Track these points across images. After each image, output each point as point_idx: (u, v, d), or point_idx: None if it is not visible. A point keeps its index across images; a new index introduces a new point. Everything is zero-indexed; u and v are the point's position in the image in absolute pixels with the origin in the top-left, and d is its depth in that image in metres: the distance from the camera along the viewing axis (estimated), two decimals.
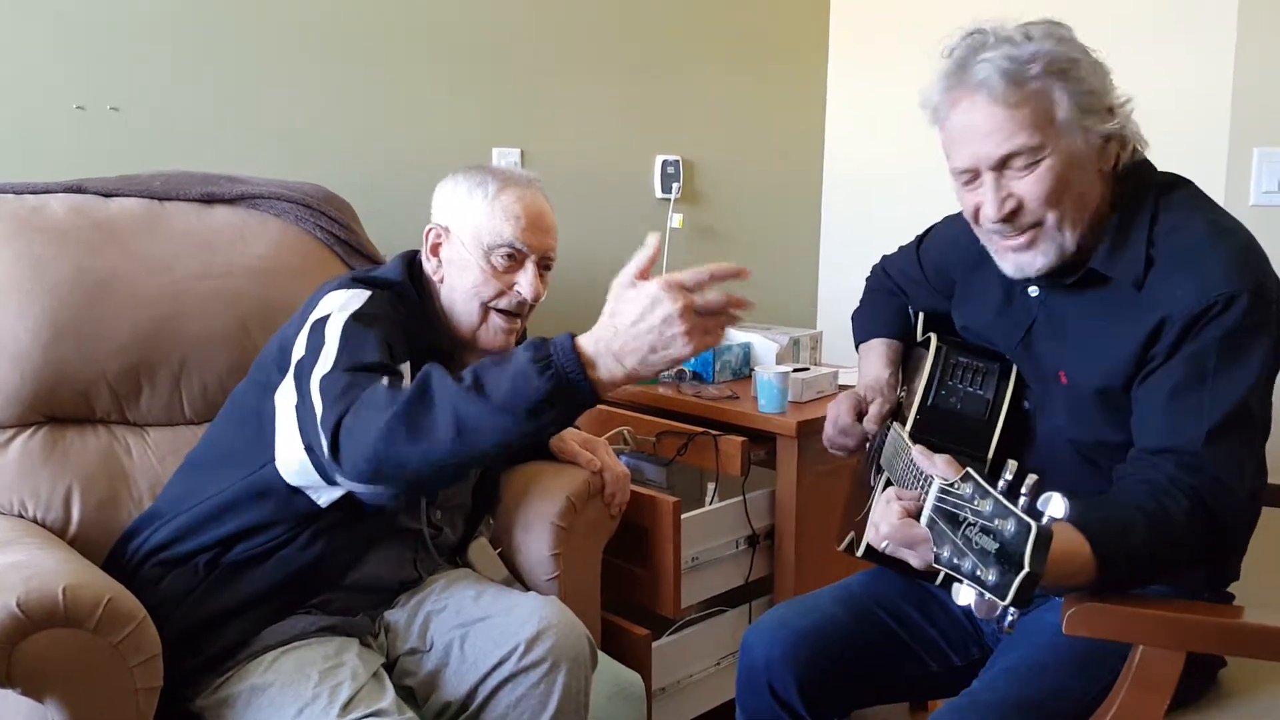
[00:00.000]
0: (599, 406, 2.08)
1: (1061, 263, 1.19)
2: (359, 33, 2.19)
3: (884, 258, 1.63)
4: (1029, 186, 1.15)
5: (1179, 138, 2.18)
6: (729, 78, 2.89)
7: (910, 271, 1.54)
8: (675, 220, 2.72)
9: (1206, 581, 1.23)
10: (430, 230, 1.49)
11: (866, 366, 1.52)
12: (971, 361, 1.35)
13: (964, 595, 0.87)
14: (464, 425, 1.05)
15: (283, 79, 2.10)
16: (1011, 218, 1.17)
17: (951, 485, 0.94)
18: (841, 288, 2.92)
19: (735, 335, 2.21)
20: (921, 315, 1.52)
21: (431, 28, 2.30)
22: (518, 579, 1.59)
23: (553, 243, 1.50)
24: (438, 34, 2.31)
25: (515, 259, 1.45)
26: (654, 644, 1.74)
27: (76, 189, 1.65)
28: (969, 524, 0.89)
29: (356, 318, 1.30)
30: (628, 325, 1.02)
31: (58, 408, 1.55)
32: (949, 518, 0.93)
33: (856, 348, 1.59)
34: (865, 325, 1.60)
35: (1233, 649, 1.17)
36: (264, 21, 2.06)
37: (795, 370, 1.91)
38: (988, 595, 0.86)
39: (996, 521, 0.87)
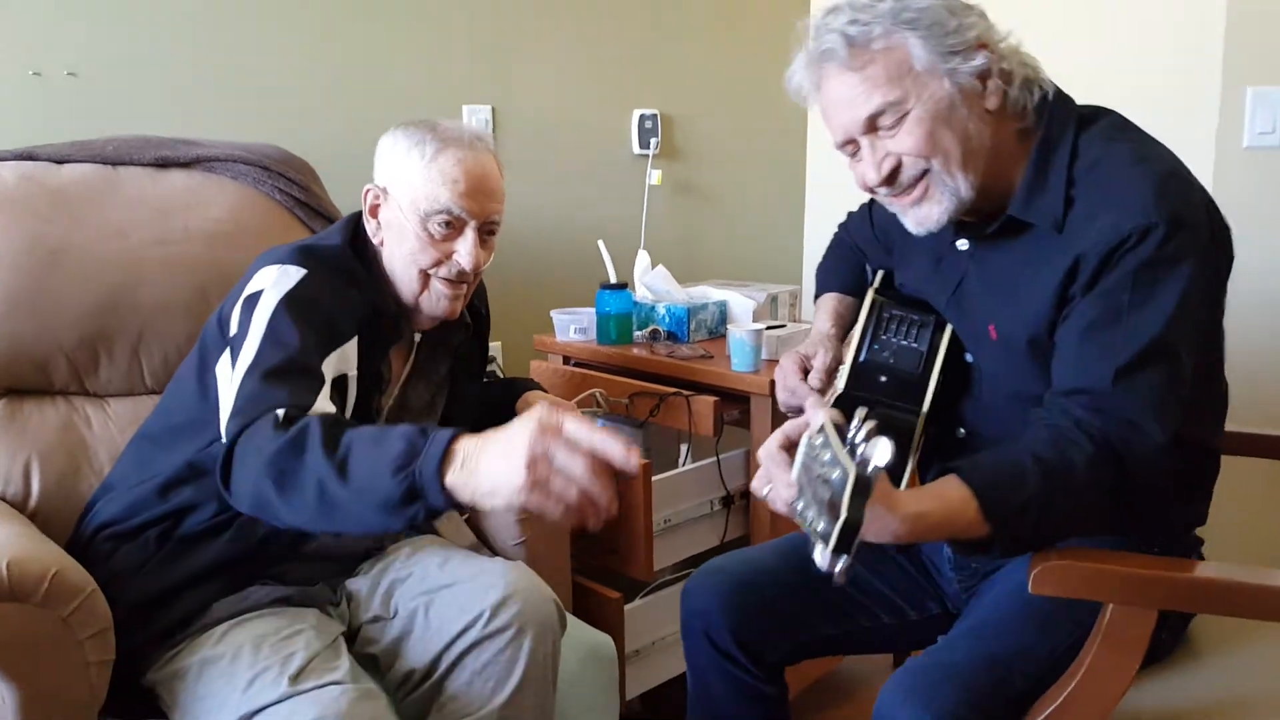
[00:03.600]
0: (569, 368, 2.06)
1: (961, 209, 1.16)
2: None
3: (848, 214, 1.60)
4: (902, 141, 1.13)
5: (1168, 77, 2.14)
6: (708, 27, 2.83)
7: (863, 231, 1.52)
8: (654, 177, 2.68)
9: (1165, 529, 1.20)
10: (369, 191, 1.43)
11: (815, 322, 1.51)
12: (905, 314, 1.32)
13: (816, 551, 0.83)
14: (327, 498, 0.99)
15: (243, 38, 2.05)
16: (894, 177, 1.15)
17: (810, 438, 0.91)
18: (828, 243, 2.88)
19: (711, 293, 2.17)
20: (880, 273, 1.48)
21: None
22: (485, 544, 1.58)
23: (496, 207, 1.44)
24: None
25: (454, 226, 1.39)
26: (626, 607, 1.72)
27: (27, 156, 1.62)
28: (817, 476, 0.87)
29: (287, 301, 1.26)
30: (489, 453, 0.94)
31: (15, 380, 1.53)
32: (806, 470, 0.90)
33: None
34: (821, 280, 1.58)
35: (1206, 606, 1.14)
36: None
37: (769, 328, 1.88)
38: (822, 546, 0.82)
39: (829, 470, 0.84)
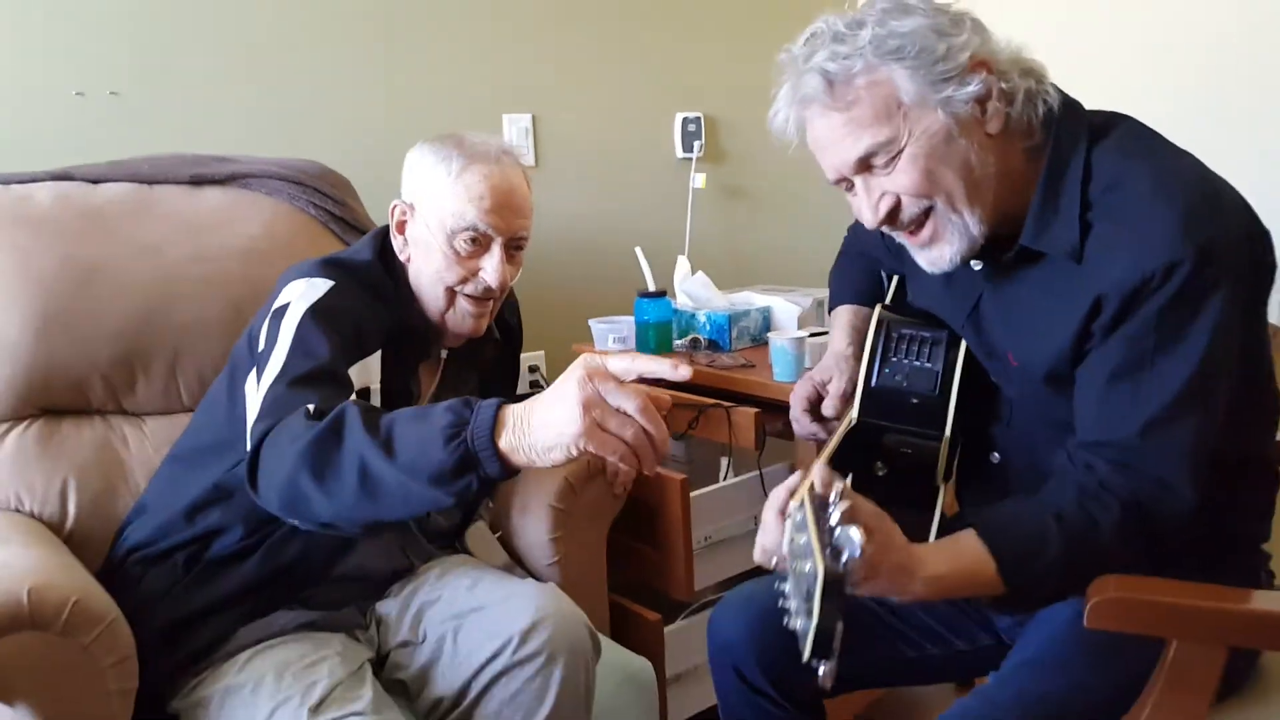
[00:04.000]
0: None
1: (975, 246, 1.08)
2: (358, 3, 2.12)
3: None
4: (898, 180, 1.04)
5: None
6: (750, 27, 2.77)
7: (871, 237, 1.45)
8: (698, 181, 2.63)
9: (1229, 547, 1.12)
10: (395, 206, 1.42)
11: (830, 340, 1.42)
12: (916, 332, 1.24)
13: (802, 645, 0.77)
14: (370, 479, 0.94)
15: (283, 54, 2.04)
16: (893, 217, 1.07)
17: (791, 512, 0.85)
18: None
19: (755, 299, 2.12)
20: (895, 279, 1.41)
21: None
22: (519, 564, 1.54)
23: (523, 223, 1.41)
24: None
25: (480, 243, 1.36)
26: (666, 629, 1.68)
27: (64, 176, 1.62)
28: (795, 557, 0.80)
29: (314, 311, 1.24)
30: (541, 407, 0.90)
31: (52, 400, 1.53)
32: (789, 546, 0.83)
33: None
34: (834, 290, 1.50)
35: None
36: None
37: (813, 335, 1.82)
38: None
39: (802, 561, 0.78)
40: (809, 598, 0.75)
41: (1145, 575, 0.99)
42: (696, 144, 2.65)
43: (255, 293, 1.63)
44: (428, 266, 1.38)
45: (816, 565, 0.75)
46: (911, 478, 1.19)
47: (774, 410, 1.77)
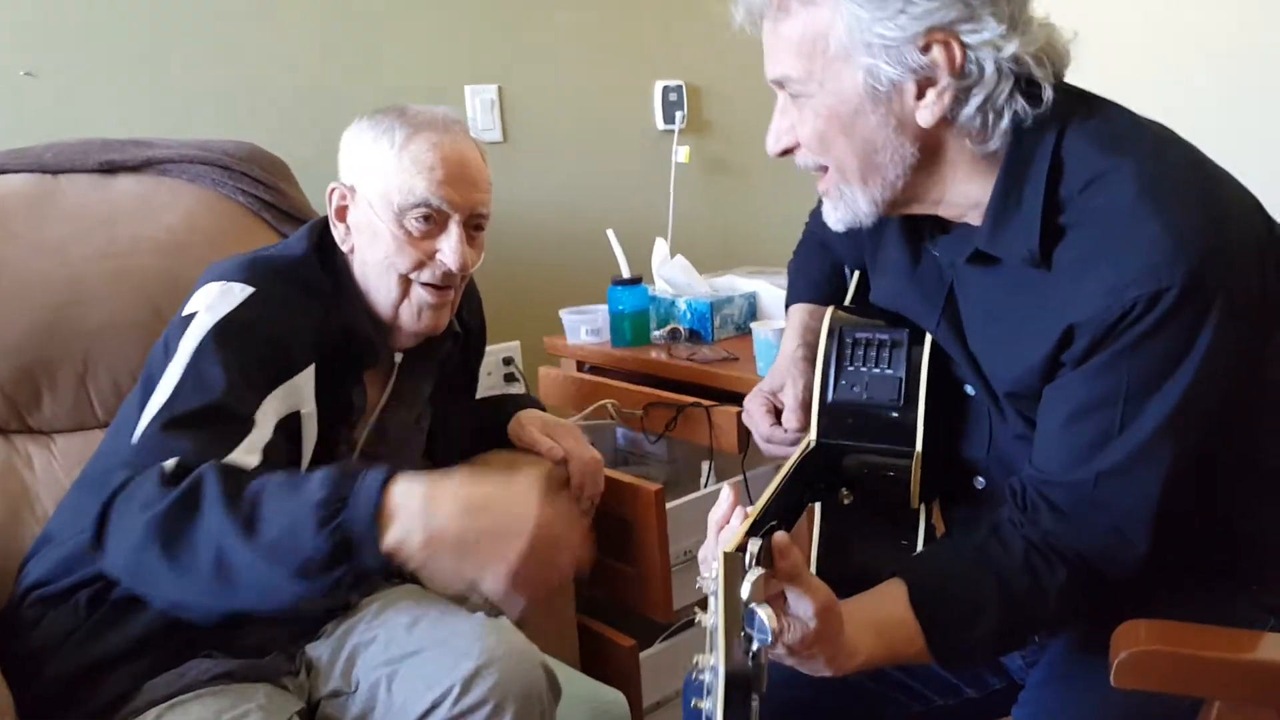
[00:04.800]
0: (577, 375, 1.84)
1: (862, 221, 0.95)
2: None
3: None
4: (799, 123, 0.92)
5: None
6: None
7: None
8: (681, 154, 2.44)
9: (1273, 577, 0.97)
10: (334, 190, 1.25)
11: (782, 342, 1.25)
12: (873, 335, 1.07)
13: None
14: (225, 565, 0.82)
15: (213, 24, 1.85)
16: (788, 154, 0.95)
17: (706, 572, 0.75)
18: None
19: (739, 284, 1.93)
20: (857, 275, 1.23)
21: None
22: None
23: (481, 197, 1.25)
24: None
25: (435, 220, 1.21)
26: (641, 654, 1.51)
27: None
28: (709, 629, 0.70)
29: (219, 331, 1.08)
30: (464, 506, 0.80)
31: None
32: (708, 609, 0.72)
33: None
34: (791, 285, 1.32)
35: None
36: None
37: None
38: None
39: (709, 655, 0.68)
40: (714, 690, 0.66)
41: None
42: (678, 114, 2.47)
43: (176, 291, 1.43)
44: (375, 254, 1.22)
45: (718, 666, 0.65)
46: (884, 503, 1.04)
47: None
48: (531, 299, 2.24)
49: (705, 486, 1.62)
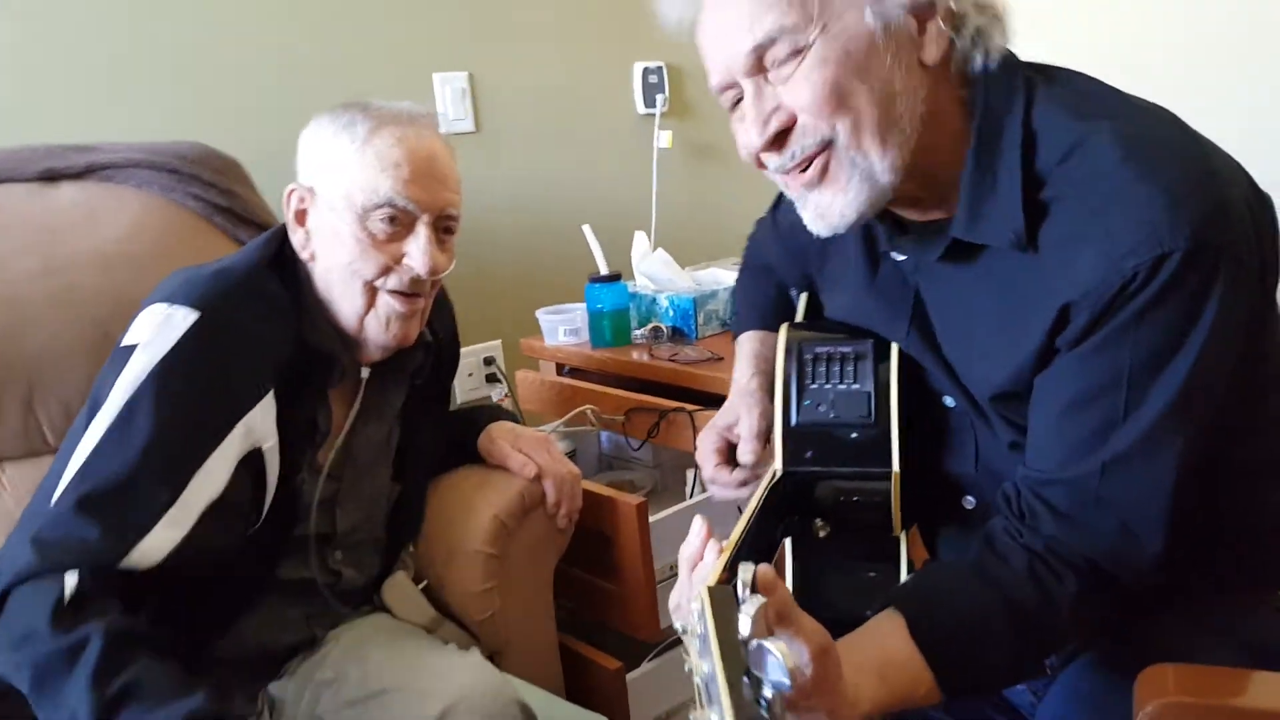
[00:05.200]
0: (555, 380, 1.76)
1: (878, 201, 0.84)
2: None
3: (758, 221, 1.26)
4: (797, 90, 0.80)
5: None
6: None
7: (772, 246, 1.18)
8: (663, 139, 2.35)
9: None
10: (291, 193, 1.16)
11: (734, 373, 1.16)
12: (834, 349, 0.99)
13: None
14: None
15: (169, 18, 1.75)
16: (783, 139, 0.82)
17: (686, 622, 0.62)
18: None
19: (723, 277, 1.85)
20: (804, 297, 1.15)
21: None
22: (449, 617, 1.29)
23: (450, 196, 1.16)
24: None
25: (401, 222, 1.12)
26: (628, 676, 1.43)
27: None
28: (700, 682, 0.58)
29: (158, 375, 1.01)
30: None
31: None
32: (692, 657, 0.61)
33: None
34: (738, 314, 1.24)
35: None
36: None
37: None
38: None
39: (707, 708, 0.55)
40: None
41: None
42: (659, 97, 2.37)
43: (123, 308, 1.33)
44: (337, 259, 1.13)
45: (724, 716, 0.52)
46: (863, 532, 0.96)
47: None
48: (510, 296, 2.16)
49: (691, 496, 1.55)
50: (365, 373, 1.22)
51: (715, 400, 1.53)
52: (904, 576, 0.95)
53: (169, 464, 1.00)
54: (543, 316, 1.84)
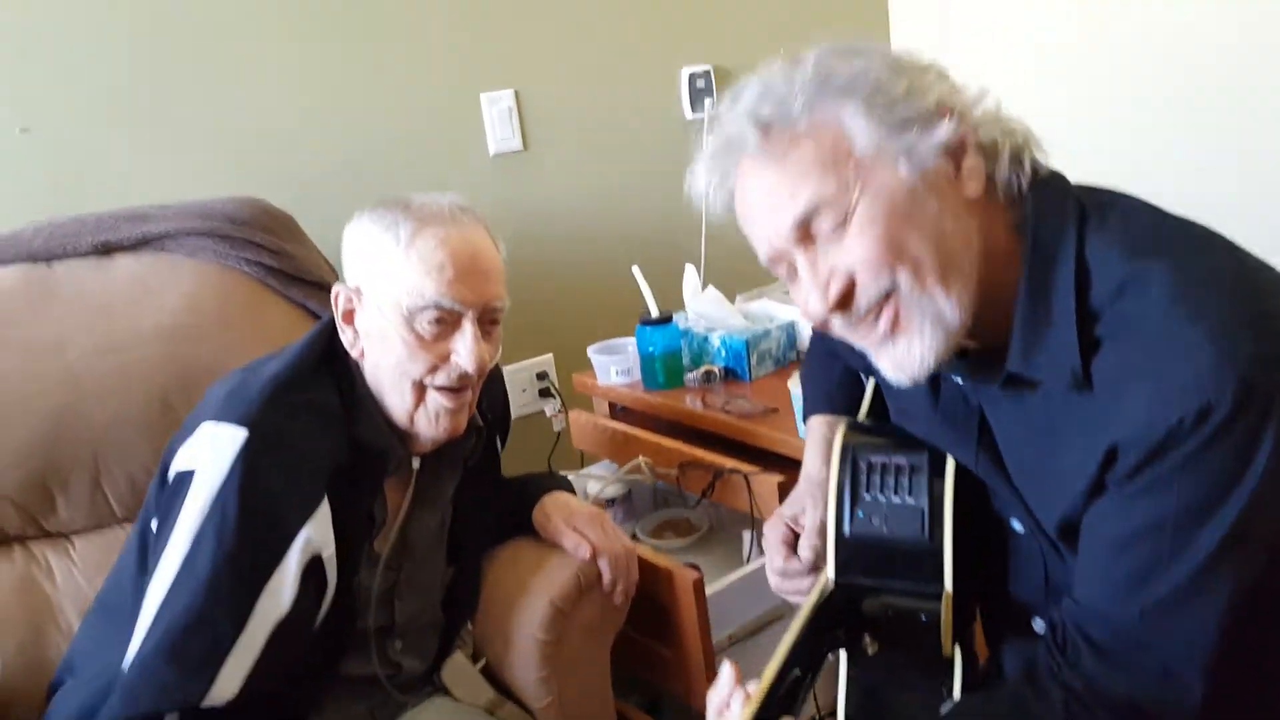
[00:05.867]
0: (611, 426, 1.75)
1: (953, 342, 0.82)
2: None
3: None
4: (850, 250, 0.80)
5: None
6: None
7: (836, 341, 1.15)
8: None
9: None
10: (338, 294, 1.17)
11: (804, 460, 1.13)
12: (889, 459, 0.96)
13: None
14: None
15: (216, 59, 1.75)
16: (847, 302, 0.82)
17: None
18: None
19: (776, 312, 1.82)
20: (872, 382, 1.12)
21: None
22: (508, 697, 1.31)
23: (494, 290, 1.16)
24: None
25: (446, 321, 1.12)
26: None
27: None
28: None
29: (217, 510, 1.04)
30: None
31: None
32: None
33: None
34: (806, 394, 1.22)
35: None
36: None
37: None
38: None
39: None
40: None
41: None
42: (708, 101, 2.32)
43: (183, 377, 1.42)
44: (386, 359, 1.14)
45: None
46: (913, 649, 0.95)
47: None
48: (561, 310, 2.15)
49: (748, 561, 1.54)
50: (416, 463, 1.23)
51: (771, 457, 1.52)
52: (957, 694, 0.94)
53: (233, 597, 1.03)
54: (595, 355, 1.83)
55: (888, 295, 0.81)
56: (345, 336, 1.17)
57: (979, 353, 0.87)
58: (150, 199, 1.56)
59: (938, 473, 0.95)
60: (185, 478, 1.06)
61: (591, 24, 2.17)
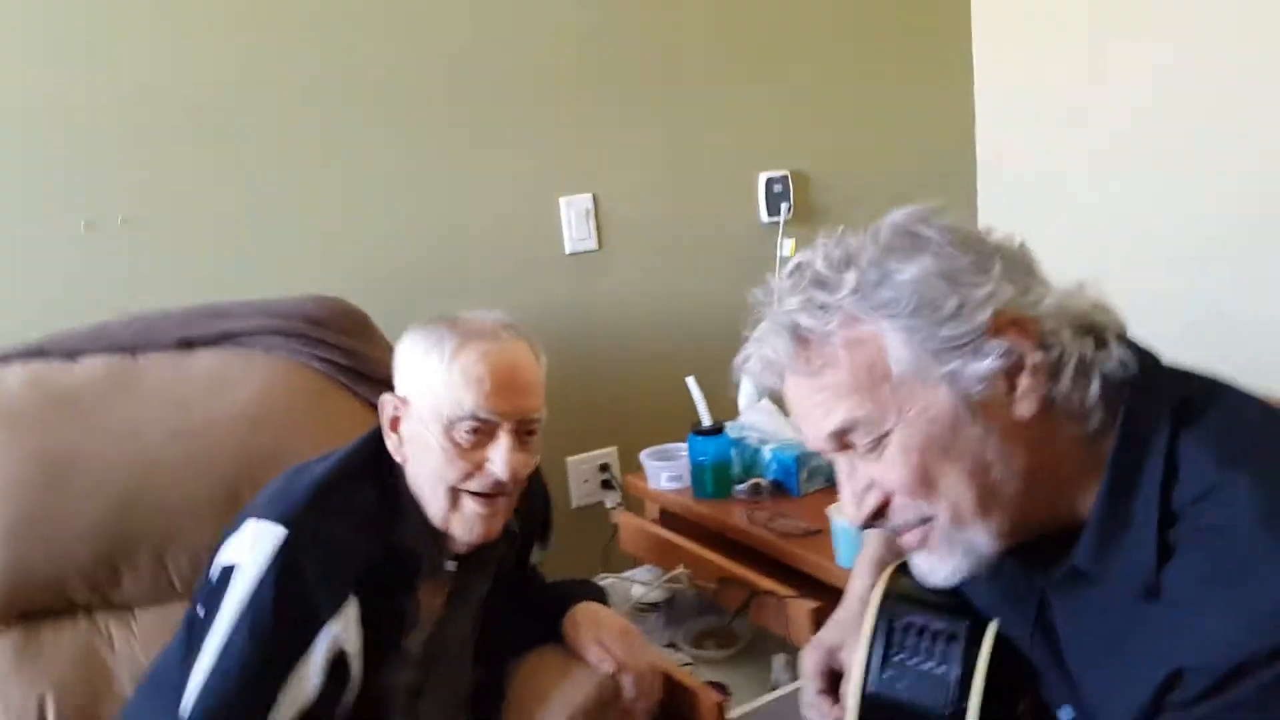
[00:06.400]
0: (654, 532, 1.77)
1: (979, 566, 0.81)
2: (385, 100, 1.93)
3: None
4: (885, 473, 0.80)
5: None
6: (843, 72, 2.44)
7: None
8: (787, 247, 2.34)
9: None
10: (387, 402, 1.24)
11: (850, 583, 1.10)
12: (926, 623, 0.93)
13: None
14: None
15: (305, 166, 1.88)
16: (882, 514, 0.81)
17: None
18: None
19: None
20: None
21: (470, 74, 2.01)
22: None
23: (532, 403, 1.22)
24: (477, 81, 2.02)
25: (483, 430, 1.19)
26: None
27: (37, 352, 1.49)
28: None
29: (251, 601, 1.12)
30: None
31: (29, 603, 1.42)
32: None
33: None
34: None
35: None
36: (282, 101, 1.85)
37: None
38: None
39: None
40: None
41: None
42: (784, 205, 2.36)
43: (248, 466, 1.49)
44: (426, 465, 1.21)
45: None
46: None
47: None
48: (627, 406, 2.19)
49: (775, 688, 1.53)
50: (451, 566, 1.27)
51: (808, 581, 1.52)
52: None
53: (261, 683, 1.11)
54: (647, 460, 1.86)
55: (924, 520, 0.80)
56: (390, 442, 1.24)
57: (1041, 542, 0.83)
58: (236, 293, 1.68)
59: (975, 641, 0.91)
60: (229, 572, 1.14)
61: (671, 128, 2.24)
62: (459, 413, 1.17)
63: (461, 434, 1.18)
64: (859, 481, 0.82)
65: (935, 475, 0.77)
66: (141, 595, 1.49)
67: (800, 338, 0.80)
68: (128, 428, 1.46)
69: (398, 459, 1.24)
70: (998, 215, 2.55)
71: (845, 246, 0.82)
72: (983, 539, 0.79)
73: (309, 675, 1.12)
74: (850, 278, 0.79)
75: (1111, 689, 0.80)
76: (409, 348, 1.24)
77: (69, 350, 1.51)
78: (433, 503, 1.21)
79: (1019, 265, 0.80)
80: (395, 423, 1.24)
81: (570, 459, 2.22)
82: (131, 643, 1.46)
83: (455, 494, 1.20)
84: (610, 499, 2.21)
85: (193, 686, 1.12)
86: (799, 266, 0.83)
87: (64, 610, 1.45)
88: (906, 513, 0.80)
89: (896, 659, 0.94)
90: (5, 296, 1.68)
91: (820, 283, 0.80)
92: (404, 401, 1.23)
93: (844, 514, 0.86)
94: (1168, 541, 0.74)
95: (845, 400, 0.78)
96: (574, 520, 2.20)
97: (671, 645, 1.72)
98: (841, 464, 0.83)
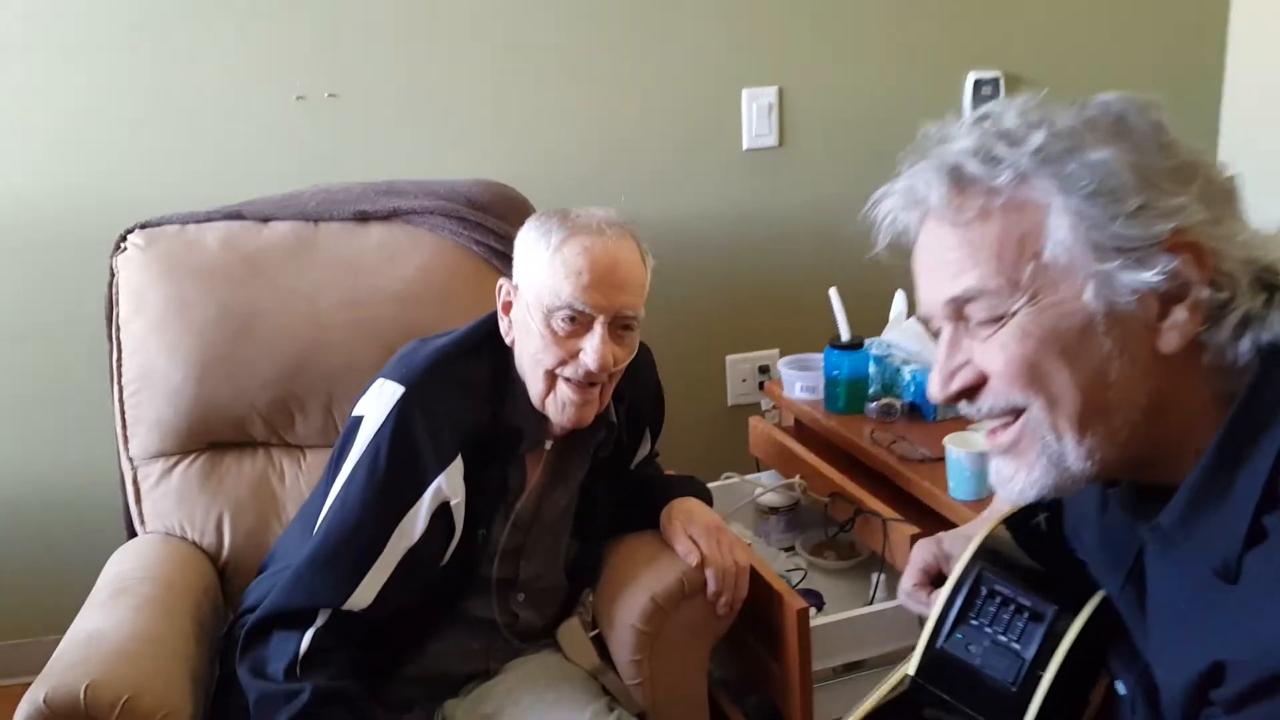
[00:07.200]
0: (778, 439, 1.78)
1: (1064, 487, 0.74)
2: None
3: None
4: (989, 356, 0.73)
5: None
6: None
7: None
8: None
9: None
10: (501, 286, 1.35)
11: (991, 506, 1.07)
12: (1012, 594, 0.89)
13: None
14: None
15: (493, 56, 1.98)
16: (971, 395, 0.76)
17: None
18: None
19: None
20: None
21: None
22: (611, 668, 1.44)
23: (629, 300, 1.28)
24: None
25: (580, 321, 1.26)
26: None
27: (235, 215, 1.68)
28: None
29: (371, 449, 1.27)
30: None
31: (217, 435, 1.65)
32: None
33: None
34: None
35: None
36: None
37: None
38: None
39: None
40: None
41: None
42: None
43: (406, 335, 1.61)
44: (527, 348, 1.31)
45: None
46: None
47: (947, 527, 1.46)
48: (794, 308, 2.17)
49: (872, 602, 1.53)
50: (548, 444, 1.37)
51: (917, 507, 1.50)
52: None
53: (374, 524, 1.26)
54: (784, 368, 1.86)
55: (1015, 413, 0.75)
56: (502, 324, 1.35)
57: (1137, 487, 0.79)
58: (429, 172, 1.81)
59: (1057, 630, 0.88)
60: (357, 421, 1.30)
61: (867, 19, 2.14)
62: (556, 302, 1.24)
63: (559, 322, 1.25)
64: (956, 358, 0.76)
65: (1045, 371, 0.71)
66: (311, 438, 1.69)
67: (960, 182, 0.73)
68: (304, 292, 1.64)
69: (507, 340, 1.34)
70: (1236, 150, 2.27)
71: (1045, 109, 0.74)
72: (1073, 455, 0.73)
73: (415, 522, 1.26)
74: (1038, 138, 0.71)
75: (1170, 662, 0.76)
76: (523, 236, 1.32)
77: (263, 215, 1.69)
78: (533, 384, 1.31)
79: (1220, 193, 0.72)
80: (507, 307, 1.34)
81: (730, 357, 2.25)
82: (300, 477, 1.67)
83: (552, 378, 1.29)
84: (766, 401, 2.23)
85: (322, 515, 1.29)
86: (985, 114, 0.76)
87: (245, 443, 1.67)
88: (997, 398, 0.74)
89: (974, 623, 0.92)
90: (219, 160, 1.89)
91: (1003, 134, 0.73)
92: (515, 287, 1.32)
93: (931, 391, 0.80)
94: (1262, 525, 0.68)
95: (981, 266, 0.72)
96: (729, 417, 2.25)
97: (790, 549, 1.75)
98: (946, 332, 0.77)
